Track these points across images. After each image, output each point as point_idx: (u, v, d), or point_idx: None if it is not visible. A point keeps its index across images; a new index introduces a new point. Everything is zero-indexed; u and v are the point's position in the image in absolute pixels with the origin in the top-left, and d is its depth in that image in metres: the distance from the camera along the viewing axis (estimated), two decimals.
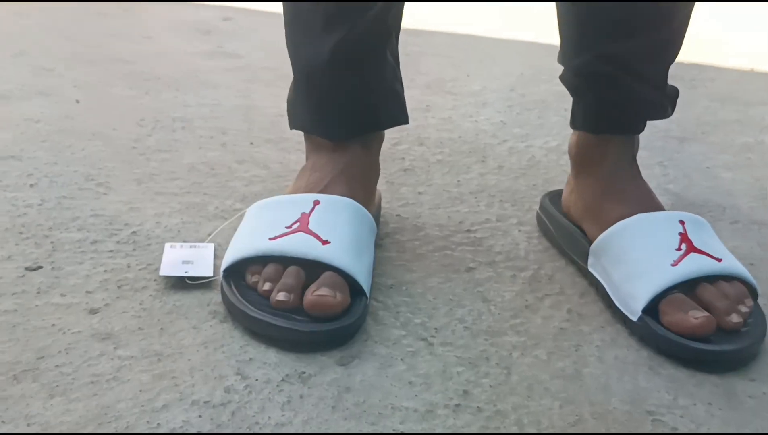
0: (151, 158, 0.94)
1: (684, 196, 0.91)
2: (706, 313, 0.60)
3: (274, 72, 1.30)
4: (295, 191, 0.70)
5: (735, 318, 0.61)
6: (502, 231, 0.80)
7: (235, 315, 0.61)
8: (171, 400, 0.52)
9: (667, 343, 0.60)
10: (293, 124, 0.75)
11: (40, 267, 0.67)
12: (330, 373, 0.56)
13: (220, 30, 1.58)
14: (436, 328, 0.62)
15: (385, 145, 0.82)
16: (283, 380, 0.55)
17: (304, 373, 0.56)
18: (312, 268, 0.61)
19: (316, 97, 0.72)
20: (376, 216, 0.76)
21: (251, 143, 1.01)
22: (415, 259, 0.73)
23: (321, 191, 0.68)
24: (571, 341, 0.62)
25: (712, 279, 0.63)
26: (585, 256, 0.70)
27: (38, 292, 0.64)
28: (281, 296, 0.59)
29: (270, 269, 0.61)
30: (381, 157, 0.77)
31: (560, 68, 0.75)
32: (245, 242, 0.64)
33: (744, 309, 0.62)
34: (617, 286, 0.65)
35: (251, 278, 0.62)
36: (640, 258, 0.65)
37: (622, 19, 0.68)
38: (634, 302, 0.63)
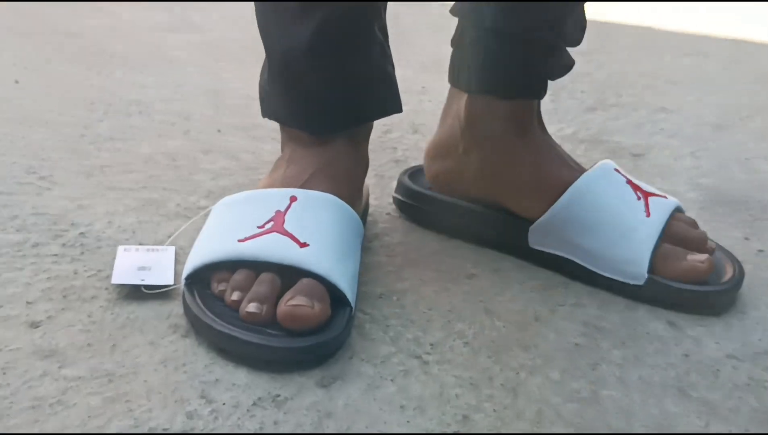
0: (102, 148, 0.94)
1: (719, 191, 0.91)
2: (705, 255, 0.69)
3: (246, 48, 1.30)
4: (269, 186, 0.70)
5: (710, 243, 0.72)
6: None
7: (198, 329, 0.61)
8: (124, 427, 0.52)
9: (688, 294, 0.68)
10: (266, 113, 0.75)
11: None
12: (309, 396, 0.56)
13: None
14: (431, 344, 0.62)
15: (375, 133, 0.82)
16: (254, 404, 0.55)
17: (278, 395, 0.56)
18: (288, 275, 0.61)
19: (295, 86, 0.71)
20: (363, 215, 0.77)
21: (219, 130, 1.01)
22: (407, 265, 0.73)
23: (299, 187, 0.68)
24: (587, 359, 0.62)
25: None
26: (517, 235, 0.74)
27: None
28: (252, 307, 0.59)
29: (239, 276, 0.62)
30: (369, 147, 0.77)
31: None
32: (211, 245, 0.64)
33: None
34: (598, 256, 0.70)
35: (218, 286, 0.62)
36: (613, 220, 0.70)
37: None
38: (633, 266, 0.69)
